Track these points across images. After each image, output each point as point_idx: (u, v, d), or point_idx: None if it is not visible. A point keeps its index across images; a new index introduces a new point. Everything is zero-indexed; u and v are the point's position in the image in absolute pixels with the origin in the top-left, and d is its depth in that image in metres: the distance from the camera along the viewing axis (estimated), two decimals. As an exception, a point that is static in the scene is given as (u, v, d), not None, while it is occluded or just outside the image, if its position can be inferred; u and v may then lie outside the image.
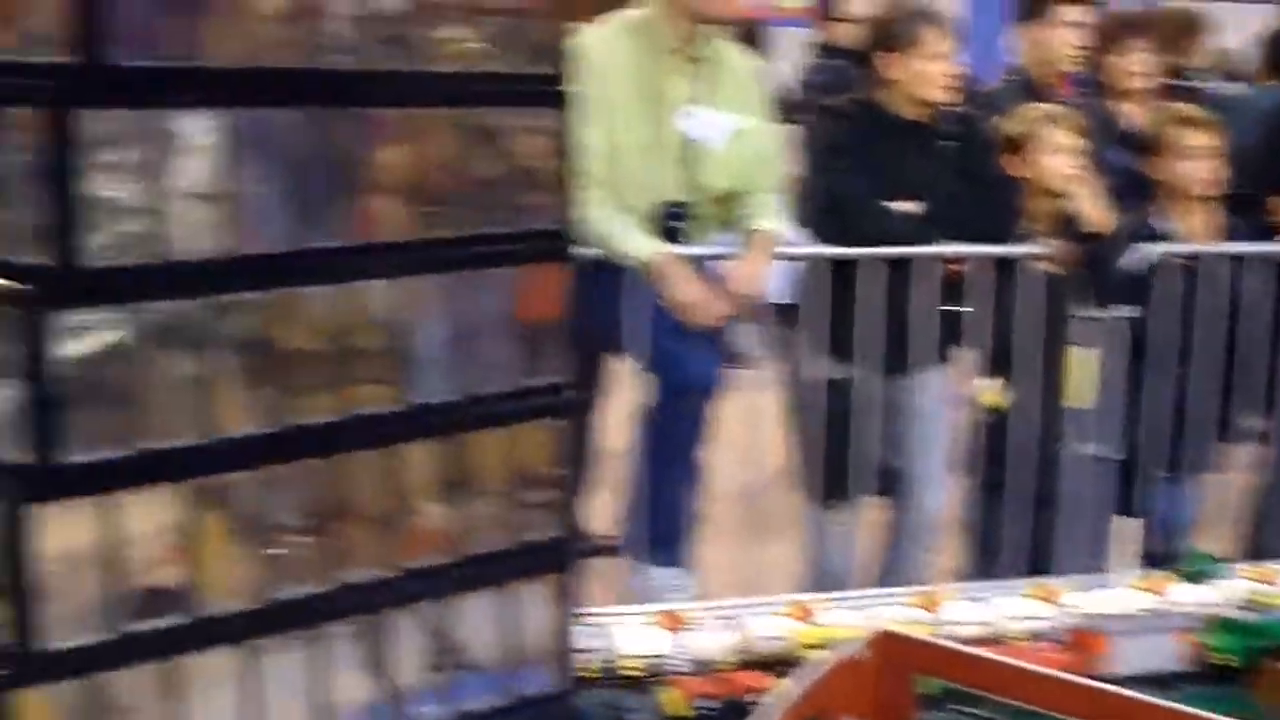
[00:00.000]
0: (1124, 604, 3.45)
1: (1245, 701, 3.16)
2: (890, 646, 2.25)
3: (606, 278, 3.97)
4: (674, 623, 3.11)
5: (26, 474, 1.49)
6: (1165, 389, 4.56)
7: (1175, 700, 2.09)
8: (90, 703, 1.56)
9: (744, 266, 4.23)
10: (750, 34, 6.32)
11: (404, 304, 1.73)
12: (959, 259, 4.40)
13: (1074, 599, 3.44)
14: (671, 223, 4.24)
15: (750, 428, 4.81)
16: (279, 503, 1.65)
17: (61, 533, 1.52)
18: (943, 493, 4.62)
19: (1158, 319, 4.49)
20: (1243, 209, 4.75)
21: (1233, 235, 4.67)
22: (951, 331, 4.46)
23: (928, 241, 4.36)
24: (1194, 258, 4.52)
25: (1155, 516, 4.71)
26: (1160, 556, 4.40)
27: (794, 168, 4.81)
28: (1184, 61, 6.15)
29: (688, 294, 4.09)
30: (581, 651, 2.21)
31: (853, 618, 3.34)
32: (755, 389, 4.88)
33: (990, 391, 4.57)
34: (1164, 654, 3.31)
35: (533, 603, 1.83)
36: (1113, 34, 5.07)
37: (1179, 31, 6.24)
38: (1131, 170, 4.74)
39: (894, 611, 3.39)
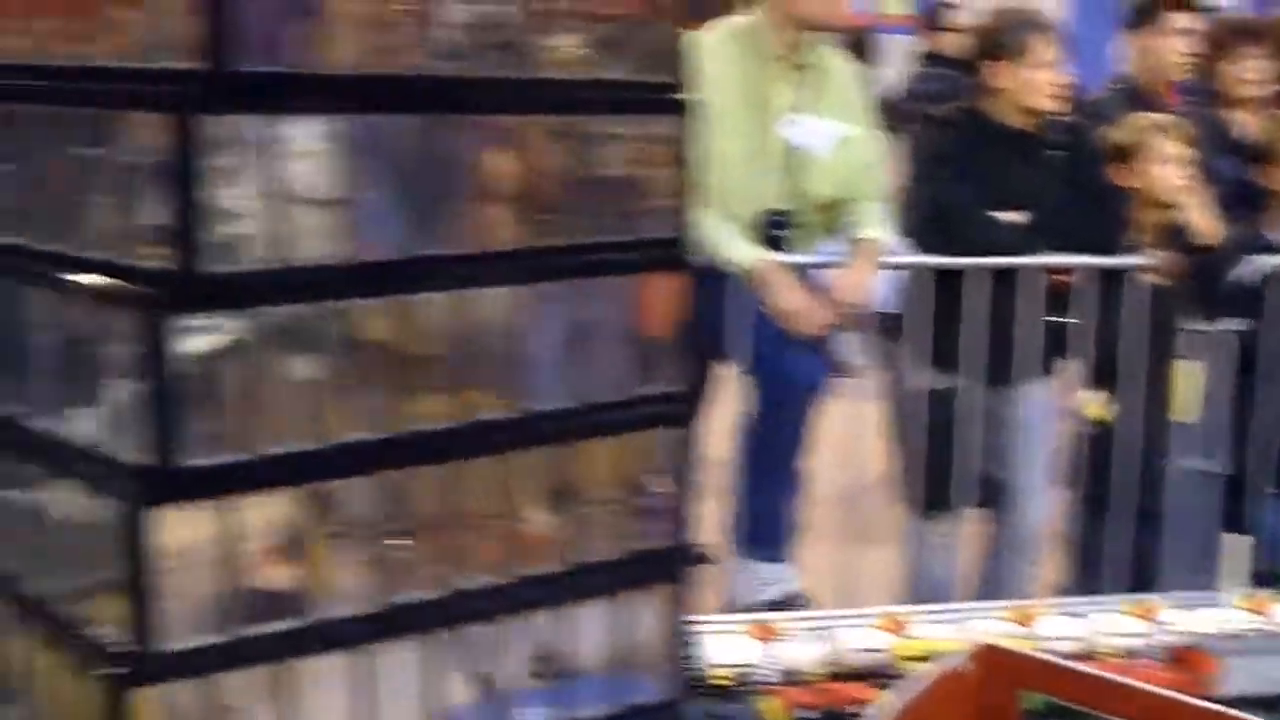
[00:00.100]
0: (1228, 623, 3.40)
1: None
2: (993, 660, 2.22)
3: (711, 284, 3.97)
4: (765, 633, 3.10)
5: (147, 476, 1.50)
6: (1275, 403, 4.48)
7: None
8: (204, 704, 1.57)
9: (849, 275, 4.22)
10: (859, 42, 6.30)
11: (519, 311, 1.73)
12: (1065, 270, 4.35)
13: (1172, 617, 3.40)
14: (775, 231, 4.23)
15: (852, 436, 4.79)
16: (393, 508, 1.66)
17: (179, 534, 1.53)
18: (1045, 506, 4.57)
19: (1269, 331, 4.42)
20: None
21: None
22: (1056, 343, 4.41)
23: (1033, 252, 4.32)
24: (1307, 269, 4.46)
25: (1264, 534, 4.63)
26: (1270, 575, 4.32)
27: (898, 177, 4.79)
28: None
29: (791, 302, 4.08)
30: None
31: (944, 631, 3.31)
32: (858, 398, 4.85)
33: (1094, 404, 4.52)
34: (1274, 676, 3.26)
35: (644, 611, 1.83)
36: (1225, 41, 4.99)
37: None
38: (1243, 180, 4.67)
39: (987, 625, 3.36)
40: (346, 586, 1.64)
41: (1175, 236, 4.38)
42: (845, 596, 4.35)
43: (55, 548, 1.71)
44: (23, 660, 1.78)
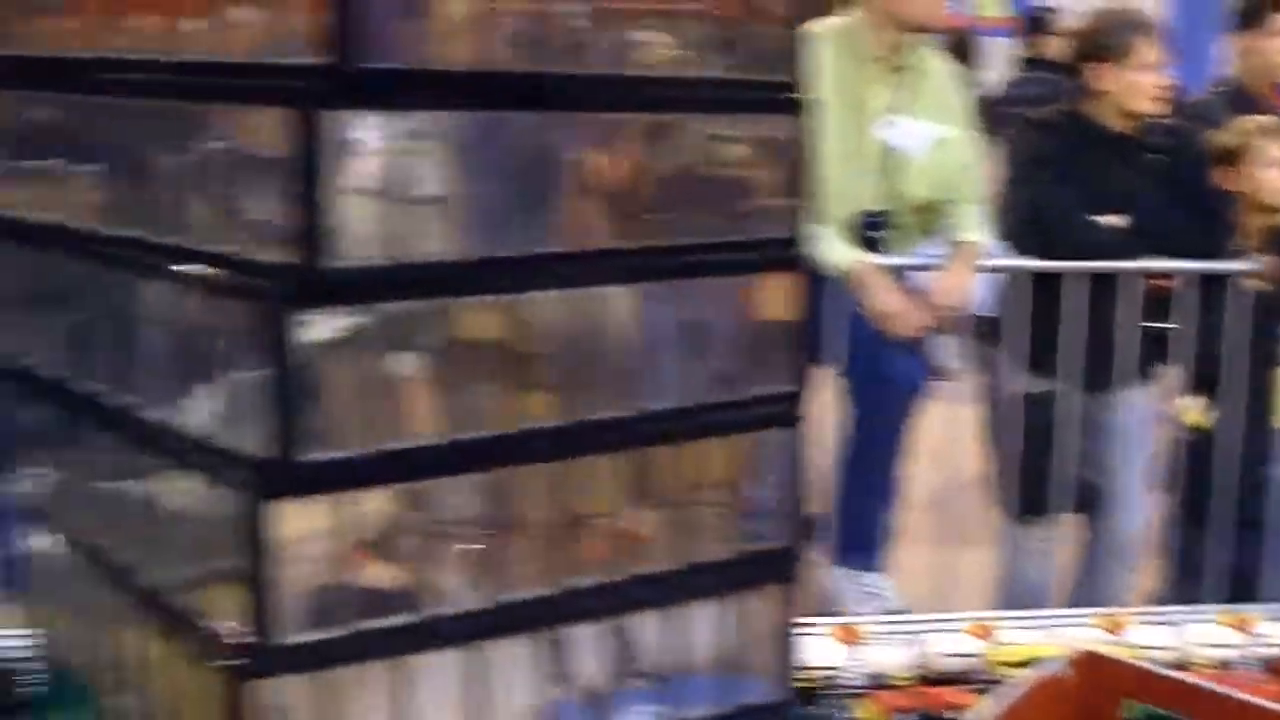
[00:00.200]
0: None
1: None
2: (1094, 667, 2.19)
3: (808, 285, 3.95)
4: (850, 636, 3.07)
5: (267, 468, 1.51)
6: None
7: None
8: (319, 698, 1.58)
9: (948, 278, 4.20)
10: (961, 44, 6.27)
11: (631, 310, 1.73)
12: (1166, 274, 4.31)
13: (1269, 629, 3.34)
14: (871, 232, 4.22)
15: (947, 439, 4.77)
16: (503, 506, 1.66)
17: (296, 527, 1.54)
18: (1142, 513, 4.53)
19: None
20: None
21: None
22: (1156, 348, 4.37)
23: (1133, 256, 4.28)
24: None
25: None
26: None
27: (995, 180, 4.76)
28: None
29: (889, 304, 4.07)
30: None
31: (1033, 637, 3.27)
32: (954, 401, 4.83)
33: (1194, 410, 4.47)
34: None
35: (754, 611, 1.82)
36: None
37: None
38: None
39: (1075, 633, 3.32)
40: (457, 584, 1.64)
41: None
42: (937, 600, 4.33)
43: (170, 539, 1.72)
44: (138, 651, 1.79)
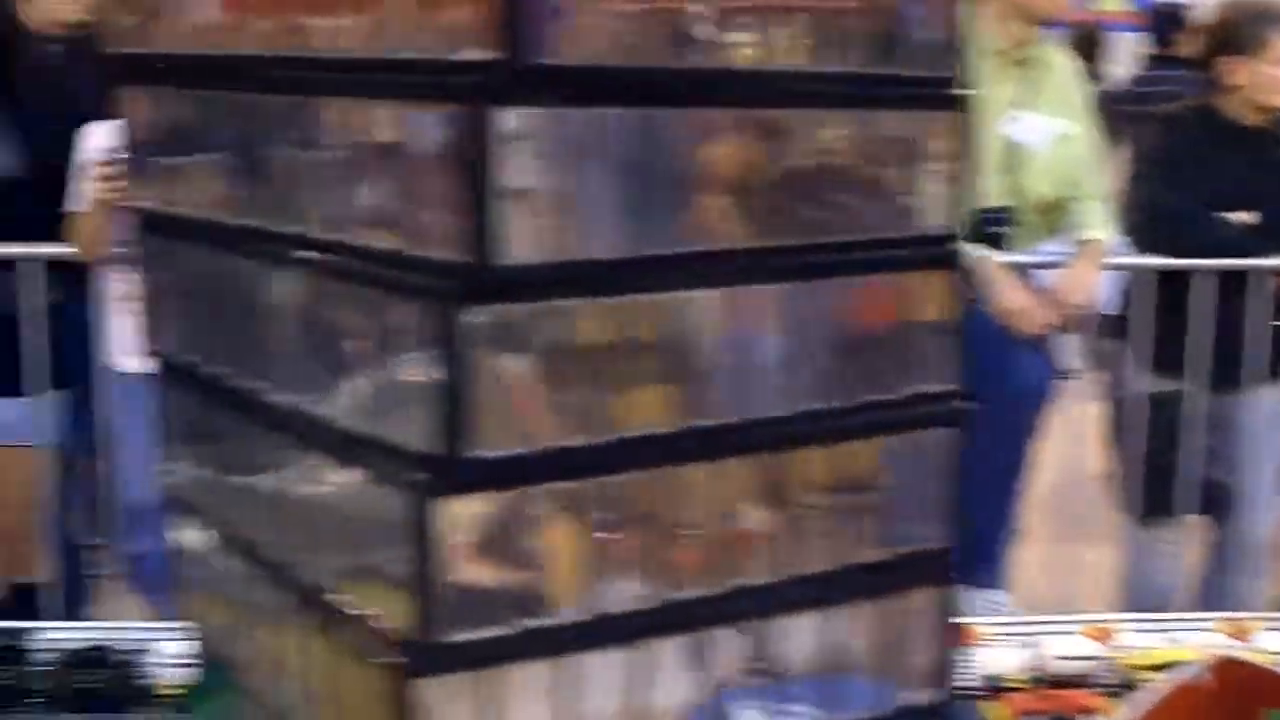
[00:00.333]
0: None
1: None
2: (1233, 673, 2.15)
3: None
4: (965, 637, 3.04)
5: (436, 465, 1.51)
6: None
7: None
8: (483, 696, 1.58)
9: (1073, 276, 4.14)
10: (1089, 39, 6.20)
11: (796, 308, 1.71)
12: (1296, 272, 4.24)
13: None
14: (993, 228, 4.17)
15: (1070, 438, 4.71)
16: (669, 504, 1.65)
17: (463, 525, 1.54)
18: (1271, 515, 4.45)
19: None
20: None
21: None
22: (1286, 347, 4.30)
23: (1263, 253, 4.21)
24: None
25: None
26: None
27: (1119, 176, 4.70)
28: None
29: (1014, 301, 4.02)
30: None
31: (1152, 641, 3.22)
32: (1077, 400, 4.77)
33: (1324, 411, 4.39)
34: None
35: (912, 612, 1.80)
36: None
37: None
38: None
39: (1198, 638, 3.26)
40: (621, 584, 1.63)
41: None
42: (1055, 599, 4.28)
43: (331, 535, 1.73)
44: (294, 646, 1.80)
